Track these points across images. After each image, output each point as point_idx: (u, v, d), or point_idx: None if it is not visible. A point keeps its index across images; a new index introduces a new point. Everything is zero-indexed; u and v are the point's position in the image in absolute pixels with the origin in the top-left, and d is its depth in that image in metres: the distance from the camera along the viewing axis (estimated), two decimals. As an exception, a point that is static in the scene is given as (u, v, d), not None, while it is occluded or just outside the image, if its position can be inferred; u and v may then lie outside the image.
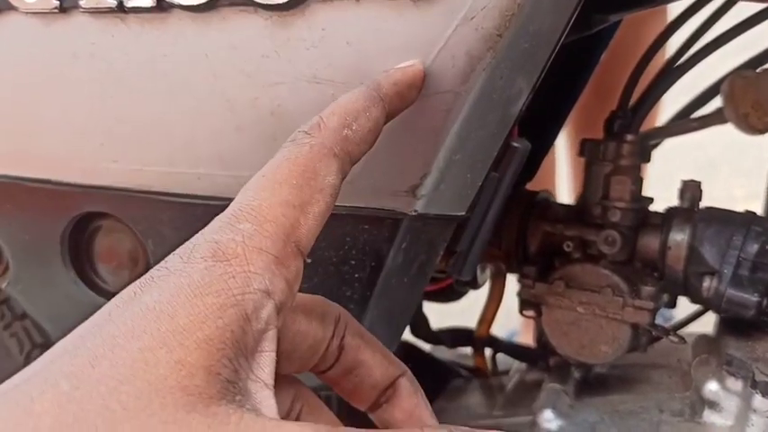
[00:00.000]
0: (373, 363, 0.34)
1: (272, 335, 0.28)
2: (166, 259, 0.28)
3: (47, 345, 0.67)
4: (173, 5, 0.40)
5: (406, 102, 0.36)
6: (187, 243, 0.28)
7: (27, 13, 0.43)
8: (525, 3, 0.36)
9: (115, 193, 0.45)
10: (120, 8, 0.41)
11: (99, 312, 0.28)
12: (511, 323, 1.56)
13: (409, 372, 0.36)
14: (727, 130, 0.58)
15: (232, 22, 0.39)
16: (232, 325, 0.26)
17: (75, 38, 0.42)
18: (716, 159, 2.37)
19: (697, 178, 0.57)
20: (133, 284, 0.28)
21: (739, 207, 0.54)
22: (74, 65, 0.43)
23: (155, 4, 0.40)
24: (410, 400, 0.35)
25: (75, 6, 0.42)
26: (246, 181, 0.42)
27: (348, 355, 0.34)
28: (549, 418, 0.54)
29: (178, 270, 0.27)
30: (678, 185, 0.57)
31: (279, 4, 0.38)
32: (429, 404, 0.36)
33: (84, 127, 0.44)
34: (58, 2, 0.42)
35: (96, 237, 0.49)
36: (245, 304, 0.27)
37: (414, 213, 0.41)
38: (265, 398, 0.27)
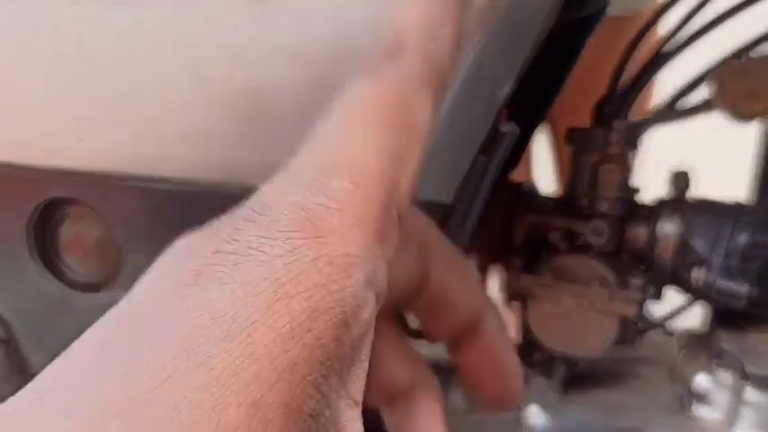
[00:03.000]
0: (459, 297, 0.29)
1: (369, 339, 0.22)
2: (233, 220, 0.22)
3: (10, 340, 0.65)
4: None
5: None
6: (260, 198, 0.22)
7: (-13, -16, 0.40)
8: (516, -22, 0.34)
9: (81, 176, 0.43)
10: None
11: (132, 299, 0.22)
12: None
13: (496, 312, 0.30)
14: (701, 128, 0.57)
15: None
16: (325, 337, 0.20)
17: (39, 10, 0.40)
18: (690, 156, 2.40)
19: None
20: (186, 255, 0.22)
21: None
22: (37, 38, 0.41)
23: (127, -26, 0.38)
24: (494, 343, 0.30)
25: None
26: (218, 162, 0.40)
27: (432, 289, 0.28)
28: (535, 413, 0.53)
29: (253, 249, 0.20)
30: (646, 184, 0.56)
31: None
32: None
33: (48, 104, 0.42)
34: (21, -28, 0.39)
35: (63, 225, 0.47)
36: (344, 304, 0.20)
37: (398, 199, 0.39)
38: (351, 419, 0.21)
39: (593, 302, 0.52)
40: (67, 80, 0.41)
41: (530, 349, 0.63)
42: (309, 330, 0.19)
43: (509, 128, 0.42)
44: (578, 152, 0.55)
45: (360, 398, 0.22)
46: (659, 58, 0.54)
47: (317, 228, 0.20)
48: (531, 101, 0.61)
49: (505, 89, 0.38)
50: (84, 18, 0.38)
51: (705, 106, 0.56)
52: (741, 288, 0.48)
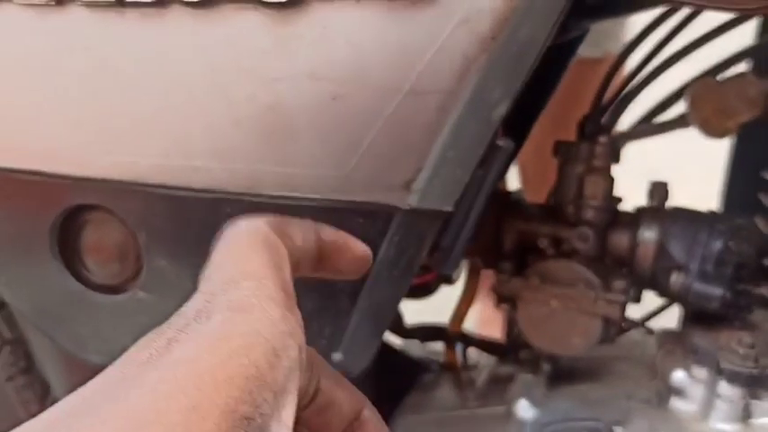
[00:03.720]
0: (343, 399, 0.35)
1: (297, 376, 0.28)
2: (173, 324, 0.28)
3: (17, 341, 0.67)
4: (173, 1, 0.40)
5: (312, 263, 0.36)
6: (193, 307, 0.28)
7: (22, 4, 0.43)
8: (518, 7, 0.38)
9: (108, 185, 0.45)
10: (120, 2, 0.41)
11: (108, 372, 0.26)
12: (468, 320, 1.58)
13: (368, 402, 0.37)
14: (671, 139, 0.61)
15: (232, 17, 0.40)
16: (259, 360, 0.26)
17: (72, 31, 0.43)
18: (658, 167, 2.46)
19: (643, 184, 0.60)
20: (142, 348, 0.27)
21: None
22: (69, 57, 0.43)
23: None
24: (375, 428, 0.36)
25: (73, 0, 0.42)
26: (242, 174, 0.43)
27: (324, 395, 0.34)
28: (524, 407, 0.56)
29: (197, 328, 0.27)
30: (624, 191, 0.60)
31: (280, 2, 0.39)
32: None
33: (78, 119, 0.44)
34: (56, -6, 0.42)
35: (85, 229, 0.49)
36: (273, 341, 0.27)
37: (407, 207, 0.42)
38: None
39: (578, 304, 0.56)
40: (97, 98, 0.44)
41: (515, 349, 0.67)
42: (246, 356, 0.25)
43: (505, 143, 0.45)
44: (564, 164, 0.59)
45: (291, 424, 0.27)
46: (639, 82, 0.58)
47: (242, 306, 0.28)
48: (518, 116, 0.65)
49: (503, 109, 0.41)
50: (115, 41, 0.41)
51: (681, 122, 0.60)
52: (715, 291, 0.52)
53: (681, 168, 2.44)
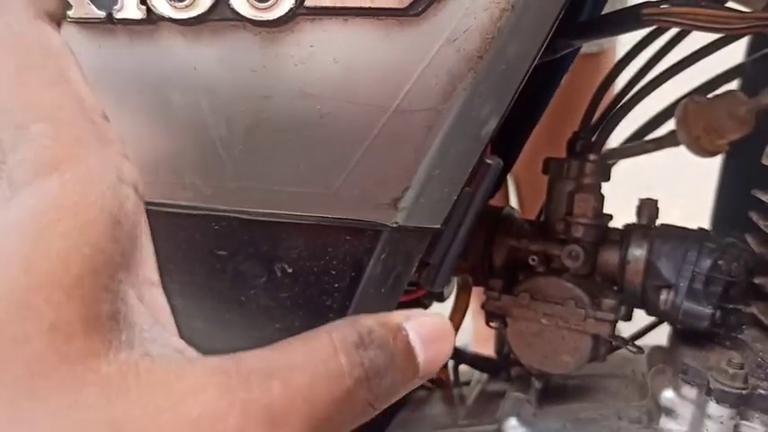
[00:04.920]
0: None
1: (142, 225, 0.25)
2: None
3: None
4: (162, 18, 0.41)
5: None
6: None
7: (11, 21, 0.43)
8: (504, 27, 0.38)
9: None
10: (110, 19, 0.41)
11: None
12: (463, 336, 1.59)
13: None
14: (665, 156, 0.61)
15: (221, 36, 0.40)
16: (101, 242, 0.22)
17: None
18: (653, 183, 2.47)
19: (636, 198, 0.60)
20: None
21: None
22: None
23: (144, 17, 0.41)
24: None
25: (63, 16, 0.42)
26: (231, 192, 0.43)
27: None
28: (513, 426, 0.56)
29: (1, 208, 0.22)
30: (618, 207, 0.60)
31: (269, 21, 0.39)
32: None
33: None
34: (46, 11, 0.42)
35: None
36: (108, 206, 0.23)
37: (394, 225, 0.42)
38: (153, 298, 0.24)
39: (568, 322, 0.56)
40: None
41: (506, 366, 0.67)
42: (86, 243, 0.22)
43: (494, 161, 0.45)
44: (554, 181, 0.59)
45: (155, 276, 0.25)
46: (628, 100, 0.58)
47: (47, 165, 0.23)
48: (509, 133, 0.65)
49: (492, 126, 0.41)
50: (105, 58, 0.41)
51: (671, 140, 0.60)
52: (705, 310, 0.52)
53: (674, 184, 2.46)
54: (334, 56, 0.39)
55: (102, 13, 0.41)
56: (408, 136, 0.40)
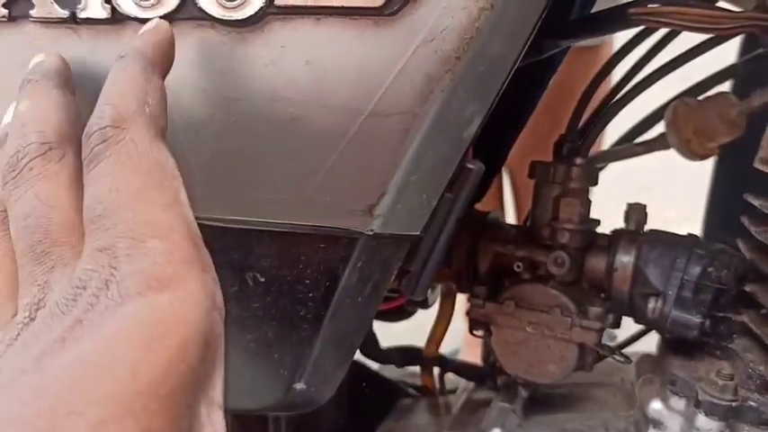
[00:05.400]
0: None
1: (222, 349, 0.27)
2: (73, 298, 0.26)
3: None
4: (128, 18, 0.39)
5: (171, 61, 0.36)
6: (91, 282, 0.26)
7: (-28, 20, 0.41)
8: (483, 26, 0.36)
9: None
10: (73, 19, 0.40)
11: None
12: (453, 342, 1.57)
13: None
14: (660, 157, 0.60)
15: (189, 36, 0.39)
16: (194, 362, 0.25)
17: (25, 47, 0.41)
18: (649, 184, 2.46)
19: (631, 202, 0.58)
20: (40, 327, 0.26)
21: (673, 229, 0.55)
22: (22, 74, 0.42)
23: (109, 16, 0.39)
24: None
25: (26, 16, 0.40)
26: (200, 198, 0.41)
27: None
28: (497, 438, 0.54)
29: (113, 310, 0.25)
30: (613, 208, 0.58)
31: (238, 21, 0.38)
32: None
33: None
34: (7, 10, 0.40)
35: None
36: (203, 329, 0.25)
37: (370, 233, 0.41)
38: (216, 420, 0.26)
39: (553, 330, 0.54)
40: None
41: (493, 374, 0.65)
42: (183, 360, 0.24)
43: (475, 165, 0.43)
44: (540, 185, 0.57)
45: (221, 398, 0.26)
46: (617, 101, 0.56)
47: (160, 280, 0.25)
48: (496, 136, 0.64)
49: (473, 129, 0.40)
50: (69, 58, 0.39)
51: (661, 143, 0.59)
52: (694, 319, 0.51)
53: (669, 187, 2.45)
54: (306, 57, 0.38)
55: (65, 13, 0.40)
56: (384, 140, 0.39)
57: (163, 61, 0.35)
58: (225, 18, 0.38)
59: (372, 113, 0.38)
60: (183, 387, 0.24)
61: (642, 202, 0.57)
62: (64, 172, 0.31)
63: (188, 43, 0.39)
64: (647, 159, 0.68)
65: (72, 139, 0.33)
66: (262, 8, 0.37)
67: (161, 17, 0.38)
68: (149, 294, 0.25)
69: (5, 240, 0.31)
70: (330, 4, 0.37)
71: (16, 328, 0.27)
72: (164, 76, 0.34)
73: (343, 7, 0.37)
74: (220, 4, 0.37)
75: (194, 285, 0.26)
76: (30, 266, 0.29)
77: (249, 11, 0.37)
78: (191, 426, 0.24)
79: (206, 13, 0.38)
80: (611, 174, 0.62)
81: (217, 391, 0.27)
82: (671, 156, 0.58)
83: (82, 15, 0.39)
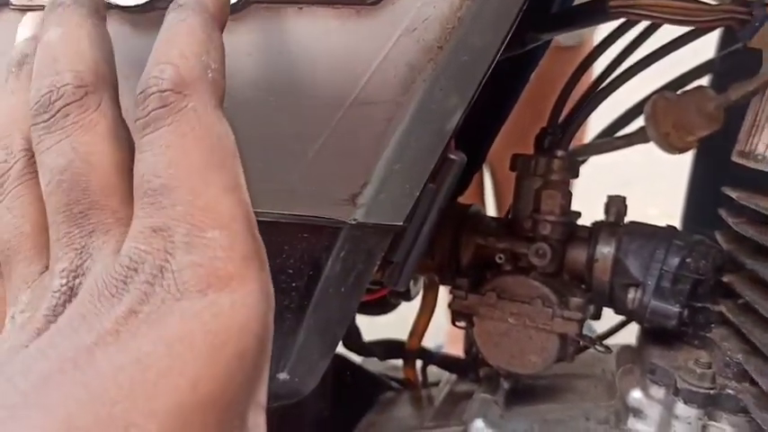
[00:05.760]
0: None
1: (270, 348, 0.26)
2: (123, 281, 0.24)
3: None
4: (110, 6, 0.39)
5: (227, 15, 0.33)
6: (144, 268, 0.24)
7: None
8: (465, 16, 0.37)
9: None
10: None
11: (41, 355, 0.23)
12: (438, 337, 1.58)
13: None
14: (642, 153, 0.60)
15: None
16: (250, 371, 0.24)
17: (5, 35, 0.41)
18: (631, 179, 2.48)
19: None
20: (87, 307, 0.24)
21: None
22: (2, 62, 0.41)
23: (90, 4, 0.39)
24: None
25: (6, 3, 0.40)
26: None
27: None
28: (479, 428, 0.55)
29: (171, 306, 0.23)
30: (595, 203, 0.59)
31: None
32: None
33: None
34: (-13, -2, 0.40)
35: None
36: (261, 334, 0.24)
37: (353, 222, 0.41)
38: (259, 422, 0.25)
39: (535, 321, 0.54)
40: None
41: (475, 366, 0.66)
42: (240, 370, 0.23)
43: (457, 156, 0.44)
44: (521, 178, 0.58)
45: (265, 399, 0.26)
46: (597, 93, 0.57)
47: (220, 278, 0.24)
48: (478, 129, 0.64)
49: (455, 120, 0.40)
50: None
51: (641, 136, 0.59)
52: (673, 308, 0.51)
53: (651, 182, 2.47)
54: (289, 46, 0.38)
55: (45, 1, 0.39)
56: (367, 129, 0.39)
57: (222, 16, 0.32)
58: (207, 6, 0.37)
59: (355, 102, 0.38)
60: (239, 398, 0.23)
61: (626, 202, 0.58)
62: (102, 123, 0.28)
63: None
64: (629, 156, 0.69)
65: (108, 83, 0.30)
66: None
67: (142, 5, 0.38)
68: (210, 293, 0.24)
69: (34, 186, 0.29)
70: (312, -7, 0.37)
71: (53, 296, 0.25)
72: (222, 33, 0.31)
73: (325, -4, 0.37)
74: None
75: (254, 286, 0.25)
76: (65, 227, 0.27)
77: (233, -1, 0.37)
78: None
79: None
80: (594, 170, 0.62)
81: (263, 393, 0.26)
82: (653, 152, 0.59)
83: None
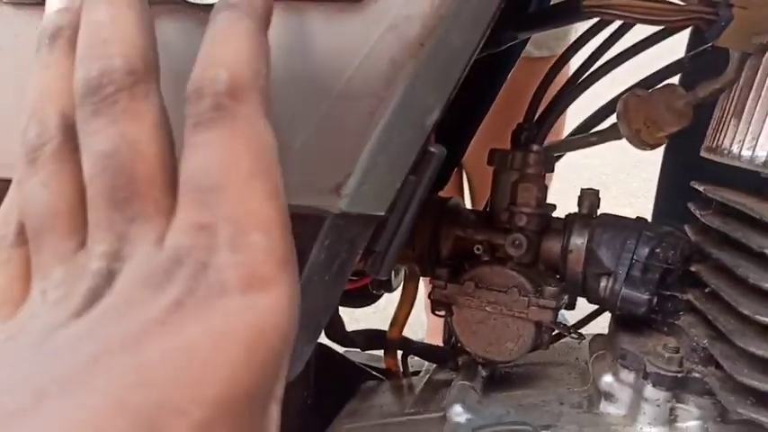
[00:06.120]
0: None
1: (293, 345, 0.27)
2: (180, 278, 0.25)
3: None
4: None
5: (271, 17, 0.33)
6: (189, 261, 0.25)
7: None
8: (446, 15, 0.38)
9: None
10: (43, 0, 0.40)
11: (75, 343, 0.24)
12: (419, 331, 1.60)
13: None
14: (618, 155, 0.62)
15: (159, 19, 0.40)
16: (278, 368, 0.25)
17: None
18: (606, 180, 2.52)
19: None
20: (132, 294, 0.24)
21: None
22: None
23: (83, -1, 0.40)
24: None
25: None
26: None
27: None
28: (458, 413, 0.56)
29: (214, 302, 0.24)
30: (572, 203, 0.61)
31: (207, 5, 0.39)
32: None
33: (7, 120, 0.44)
34: (-20, -8, 0.41)
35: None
36: (290, 335, 0.25)
37: (337, 212, 0.42)
38: (276, 414, 0.26)
39: (511, 309, 0.56)
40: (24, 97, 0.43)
41: (454, 355, 0.68)
42: (271, 365, 0.24)
43: (437, 149, 0.45)
44: (499, 172, 0.60)
45: (281, 393, 0.27)
46: (571, 90, 0.59)
47: (261, 280, 0.25)
48: (458, 125, 0.66)
49: (435, 115, 0.42)
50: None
51: (614, 133, 0.61)
52: (642, 296, 0.54)
53: (627, 183, 2.51)
54: (275, 41, 0.39)
55: None
56: (351, 122, 0.40)
57: (269, 20, 0.32)
58: (195, 1, 0.39)
59: (339, 96, 0.40)
60: (267, 393, 0.25)
61: (600, 198, 0.60)
62: (150, 113, 0.29)
63: (157, 26, 0.40)
64: (605, 156, 0.71)
65: (156, 71, 0.30)
66: (231, -8, 0.38)
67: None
68: (250, 294, 0.25)
69: (71, 165, 0.29)
70: (297, -10, 0.38)
71: (93, 277, 0.26)
72: None
73: (310, -7, 0.38)
74: (190, -12, 0.39)
75: (288, 290, 0.26)
76: (107, 210, 0.27)
77: (218, -5, 0.39)
78: (264, 426, 0.25)
79: (175, -5, 0.39)
80: (570, 171, 0.64)
81: (282, 387, 0.27)
82: (628, 153, 0.61)
83: (55, -2, 0.40)
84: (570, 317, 0.79)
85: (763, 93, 0.45)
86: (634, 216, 0.59)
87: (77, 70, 0.29)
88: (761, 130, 0.44)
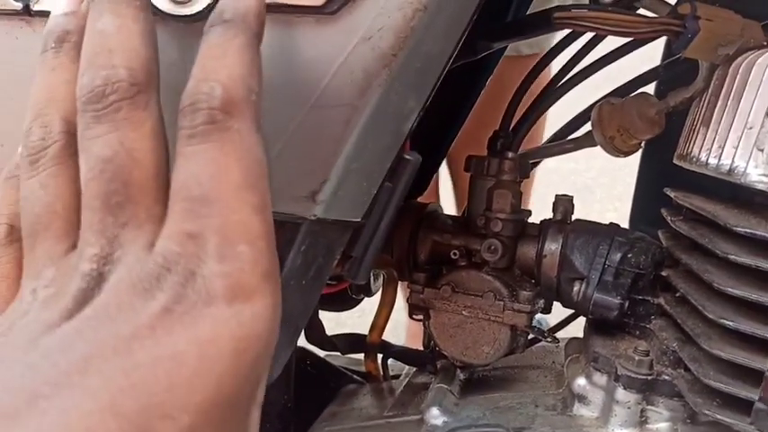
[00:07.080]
0: None
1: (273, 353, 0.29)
2: (169, 286, 0.26)
3: None
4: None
5: (263, 33, 0.34)
6: (178, 269, 0.26)
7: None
8: (418, 26, 0.39)
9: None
10: (26, 11, 0.41)
11: (63, 341, 0.25)
12: (398, 334, 1.61)
13: None
14: (603, 160, 0.64)
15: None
16: (260, 375, 0.26)
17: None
18: (591, 185, 2.54)
19: (577, 203, 0.62)
20: (122, 299, 0.25)
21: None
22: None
23: (63, 10, 0.41)
24: None
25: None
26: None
27: None
28: (435, 415, 0.57)
29: (201, 310, 0.25)
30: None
31: (185, 16, 0.40)
32: None
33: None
34: (-39, 2, 0.42)
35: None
36: (272, 343, 0.27)
37: (313, 218, 0.43)
38: (257, 417, 0.28)
39: (487, 313, 0.58)
40: (4, 107, 0.43)
41: (432, 359, 0.69)
42: (254, 372, 0.26)
43: (412, 156, 0.46)
44: (475, 178, 0.61)
45: (262, 398, 0.28)
46: (546, 99, 0.60)
47: (244, 290, 0.26)
48: (436, 133, 0.67)
49: (410, 123, 0.43)
50: (23, 50, 0.41)
51: (588, 141, 0.63)
52: (614, 301, 0.55)
53: (610, 188, 2.54)
54: (264, 49, 0.40)
55: (18, 5, 0.41)
56: (326, 131, 0.41)
57: (262, 36, 0.33)
58: (174, 13, 0.40)
59: (315, 105, 0.41)
60: (249, 399, 0.26)
61: (584, 202, 0.61)
62: (149, 122, 0.30)
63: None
64: (589, 162, 0.72)
65: (156, 83, 0.32)
66: (209, 5, 0.39)
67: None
68: (236, 304, 0.26)
69: (70, 168, 0.30)
70: (274, 2, 0.39)
71: (83, 278, 0.27)
72: None
73: (287, 5, 0.39)
74: (170, 0, 0.39)
75: (270, 300, 0.27)
76: (100, 214, 0.28)
77: (197, 7, 0.39)
78: (246, 430, 0.26)
79: (156, 8, 0.39)
80: (556, 175, 0.65)
81: (262, 392, 0.28)
82: (613, 159, 0.62)
83: (36, 8, 0.41)
84: (552, 320, 0.80)
85: (729, 102, 0.46)
86: (618, 220, 0.60)
87: (82, 77, 0.30)
88: (726, 139, 0.45)
